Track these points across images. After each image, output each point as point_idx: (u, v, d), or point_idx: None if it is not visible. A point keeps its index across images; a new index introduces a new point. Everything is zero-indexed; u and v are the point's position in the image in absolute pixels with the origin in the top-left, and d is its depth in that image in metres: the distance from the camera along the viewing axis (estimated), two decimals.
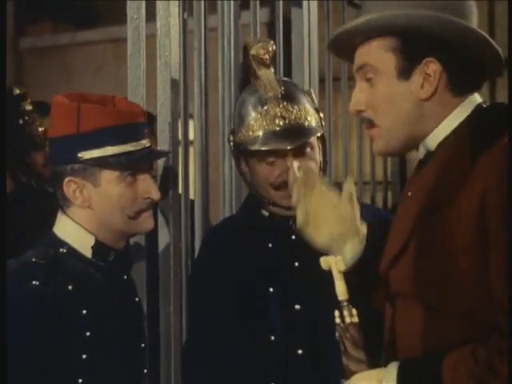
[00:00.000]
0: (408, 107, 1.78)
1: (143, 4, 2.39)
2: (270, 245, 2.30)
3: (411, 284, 1.75)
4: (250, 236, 2.33)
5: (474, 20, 1.82)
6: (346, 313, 1.81)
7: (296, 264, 2.26)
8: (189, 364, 2.36)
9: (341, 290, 1.82)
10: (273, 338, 2.24)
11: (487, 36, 1.79)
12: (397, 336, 1.80)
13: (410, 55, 1.76)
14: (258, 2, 2.89)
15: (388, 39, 1.77)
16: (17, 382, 1.91)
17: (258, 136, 2.25)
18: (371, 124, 1.82)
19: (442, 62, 1.75)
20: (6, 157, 1.99)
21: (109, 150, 2.04)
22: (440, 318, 1.71)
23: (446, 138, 1.78)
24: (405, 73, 1.77)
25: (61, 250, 2.06)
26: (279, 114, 2.26)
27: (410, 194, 1.83)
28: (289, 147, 2.23)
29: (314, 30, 3.24)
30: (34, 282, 1.96)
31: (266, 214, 2.35)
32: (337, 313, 1.82)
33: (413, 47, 1.76)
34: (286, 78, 2.51)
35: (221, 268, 2.32)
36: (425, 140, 1.81)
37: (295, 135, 2.24)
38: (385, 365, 1.76)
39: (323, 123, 2.36)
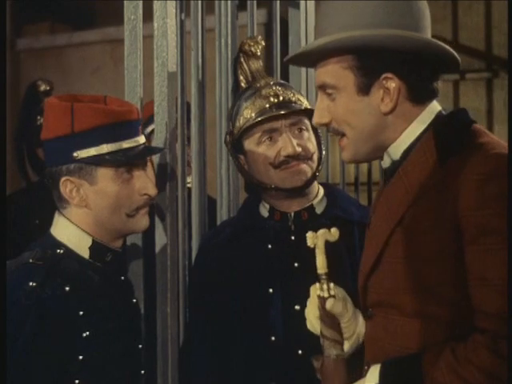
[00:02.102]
0: (371, 120, 1.79)
1: (140, 5, 2.40)
2: (270, 246, 2.31)
3: (388, 292, 1.77)
4: (249, 237, 2.34)
5: (428, 29, 1.82)
6: (323, 287, 1.88)
7: (295, 264, 2.27)
8: (188, 365, 2.36)
9: (321, 263, 1.88)
10: (273, 338, 2.25)
11: (442, 44, 1.80)
12: (378, 346, 1.80)
13: (367, 72, 1.77)
14: (255, 3, 2.89)
15: (345, 57, 1.78)
16: (14, 383, 1.91)
17: (253, 116, 2.28)
18: (338, 134, 1.84)
19: (399, 76, 1.77)
20: (5, 157, 1.99)
21: (104, 148, 2.04)
22: (418, 325, 1.72)
23: (410, 147, 1.79)
24: (364, 88, 1.78)
25: (58, 251, 2.06)
26: (272, 93, 2.30)
27: (381, 204, 1.84)
28: (282, 112, 2.27)
29: (312, 31, 3.24)
30: (31, 284, 1.96)
31: (265, 214, 2.36)
32: (317, 285, 1.90)
33: (370, 64, 1.77)
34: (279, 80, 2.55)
35: (220, 269, 2.33)
36: (388, 149, 1.82)
37: (288, 107, 2.29)
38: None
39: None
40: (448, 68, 1.85)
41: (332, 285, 1.90)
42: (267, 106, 2.28)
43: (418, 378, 1.66)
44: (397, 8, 1.77)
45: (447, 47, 1.79)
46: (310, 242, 1.89)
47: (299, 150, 2.25)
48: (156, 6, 2.43)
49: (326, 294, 1.89)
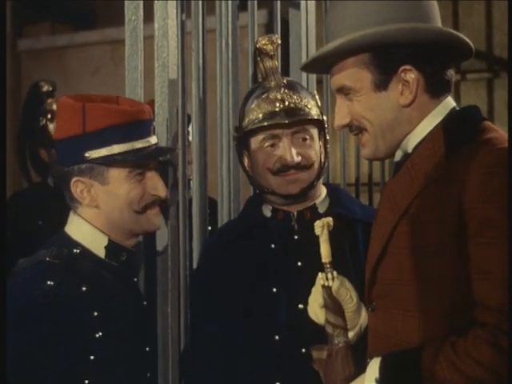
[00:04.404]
0: (389, 115, 1.81)
1: (141, 5, 2.39)
2: (273, 245, 2.32)
3: (391, 284, 1.78)
4: (252, 237, 2.35)
5: (438, 19, 1.84)
6: (326, 276, 1.92)
7: (299, 264, 2.28)
8: (191, 365, 2.37)
9: (325, 252, 1.92)
10: (277, 337, 2.26)
11: (455, 32, 1.81)
12: (380, 340, 1.82)
13: (384, 68, 1.79)
14: (255, 3, 2.89)
15: (360, 57, 1.80)
16: (24, 381, 1.91)
17: (258, 118, 2.29)
18: (360, 130, 1.85)
19: (417, 67, 1.79)
20: (6, 157, 1.99)
21: (115, 149, 2.04)
22: (418, 319, 1.73)
23: (422, 141, 1.80)
24: (381, 85, 1.80)
25: (74, 250, 2.06)
26: (279, 97, 2.32)
27: (385, 196, 1.85)
28: (286, 121, 2.26)
29: (312, 31, 3.24)
30: (48, 283, 1.96)
31: (268, 214, 2.36)
32: (320, 275, 1.93)
33: (387, 59, 1.79)
34: (291, 78, 2.56)
35: (224, 269, 2.33)
36: (402, 143, 1.83)
37: (293, 115, 2.29)
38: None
39: (326, 125, 2.38)
40: (461, 56, 1.87)
41: (336, 273, 1.93)
42: (272, 111, 2.28)
43: (417, 372, 1.67)
44: (406, 2, 1.79)
45: (460, 34, 1.81)
46: (318, 231, 1.93)
47: (298, 159, 2.26)
48: (157, 6, 2.43)
49: (330, 283, 1.91)
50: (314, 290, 1.99)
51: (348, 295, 1.94)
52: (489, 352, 1.60)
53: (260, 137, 2.30)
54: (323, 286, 1.93)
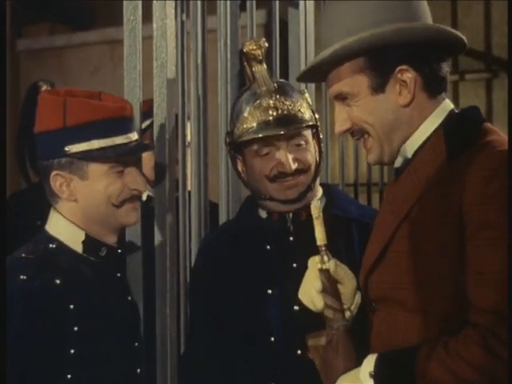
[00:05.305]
0: (390, 116, 1.80)
1: (140, 5, 2.40)
2: (268, 247, 2.31)
3: (391, 288, 1.78)
4: (248, 238, 2.34)
5: (429, 17, 1.84)
6: (322, 258, 1.89)
7: (294, 265, 2.27)
8: (188, 365, 2.37)
9: (320, 235, 1.89)
10: (272, 339, 2.25)
11: (448, 28, 1.81)
12: (381, 340, 1.82)
13: (381, 70, 1.78)
14: (254, 3, 2.89)
15: (356, 61, 1.79)
16: (6, 376, 1.91)
17: (252, 127, 2.28)
18: (361, 134, 1.85)
19: (414, 66, 1.78)
20: (6, 157, 1.99)
21: (95, 144, 2.05)
22: (420, 320, 1.73)
23: (422, 145, 1.80)
24: (379, 87, 1.79)
25: (50, 245, 2.08)
26: (272, 105, 2.29)
27: (387, 201, 1.85)
28: (282, 132, 2.25)
29: (311, 31, 3.24)
30: (21, 277, 1.97)
31: (263, 215, 2.36)
32: (317, 258, 1.90)
33: (382, 61, 1.78)
34: (281, 79, 2.54)
35: (219, 270, 2.33)
36: (402, 147, 1.83)
37: (288, 123, 2.27)
38: None
39: (318, 123, 2.37)
40: (456, 50, 1.87)
41: (330, 255, 1.91)
42: (266, 120, 2.27)
43: (411, 370, 1.67)
44: (396, 2, 1.78)
45: (452, 30, 1.81)
46: (315, 212, 1.89)
47: (295, 166, 2.25)
48: (155, 6, 2.43)
49: (328, 266, 1.89)
50: (306, 276, 1.94)
51: (345, 272, 1.92)
52: (479, 353, 1.60)
53: (255, 146, 2.28)
54: (321, 270, 1.89)
